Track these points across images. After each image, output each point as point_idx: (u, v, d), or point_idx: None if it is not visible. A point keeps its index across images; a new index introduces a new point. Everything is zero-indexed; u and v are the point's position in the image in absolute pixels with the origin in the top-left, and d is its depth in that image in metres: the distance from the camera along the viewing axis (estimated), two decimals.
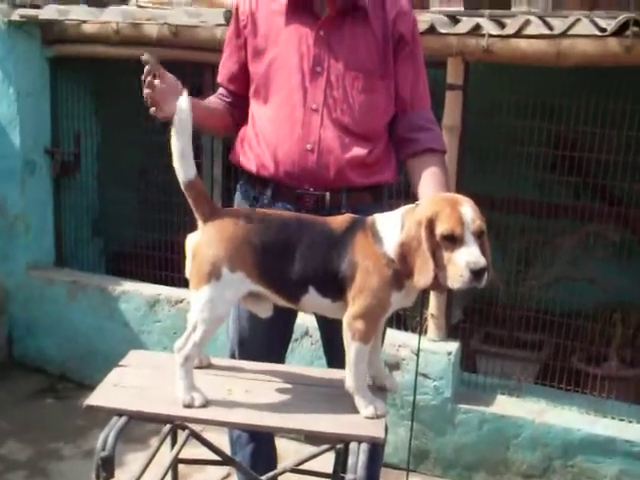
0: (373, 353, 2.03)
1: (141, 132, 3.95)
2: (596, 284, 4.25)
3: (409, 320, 3.82)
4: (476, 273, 1.76)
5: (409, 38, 2.34)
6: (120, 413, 1.92)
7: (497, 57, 3.31)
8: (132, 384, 2.06)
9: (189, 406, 1.93)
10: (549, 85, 3.45)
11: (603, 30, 3.05)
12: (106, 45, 4.11)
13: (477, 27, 3.28)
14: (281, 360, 2.57)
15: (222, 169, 4.07)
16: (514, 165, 3.58)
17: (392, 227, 1.89)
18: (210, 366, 2.21)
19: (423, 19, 3.32)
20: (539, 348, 4.15)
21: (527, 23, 3.21)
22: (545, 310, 3.71)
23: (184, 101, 1.90)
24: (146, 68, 2.17)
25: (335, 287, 1.91)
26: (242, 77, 2.45)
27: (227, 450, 2.57)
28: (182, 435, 2.07)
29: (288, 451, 3.52)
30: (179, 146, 1.92)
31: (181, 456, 2.22)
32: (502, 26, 3.30)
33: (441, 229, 1.78)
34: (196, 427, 2.04)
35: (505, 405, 3.54)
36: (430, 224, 1.79)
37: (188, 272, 1.97)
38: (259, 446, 2.66)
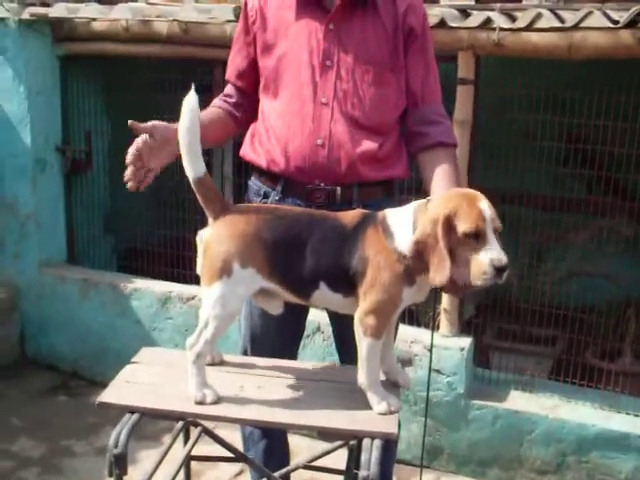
0: (385, 349, 2.03)
1: None
2: (610, 279, 4.23)
3: (421, 316, 3.81)
4: (499, 270, 1.76)
5: (419, 31, 2.33)
6: (132, 410, 1.92)
7: (508, 51, 3.29)
8: (144, 381, 2.06)
9: (201, 403, 1.93)
10: (561, 78, 3.43)
11: (615, 22, 3.03)
12: (116, 42, 4.12)
13: (488, 21, 3.26)
14: (293, 356, 2.57)
15: (233, 166, 4.07)
16: (526, 159, 3.56)
17: (403, 223, 1.88)
18: (222, 363, 2.20)
19: (433, 13, 3.31)
20: (552, 343, 4.13)
21: (538, 16, 3.19)
22: (558, 305, 3.69)
23: (192, 98, 1.89)
24: (136, 140, 2.21)
25: (346, 283, 1.91)
26: (250, 73, 2.44)
27: (239, 447, 2.57)
28: (194, 432, 2.07)
29: (301, 447, 3.52)
30: (187, 143, 1.91)
31: (194, 453, 2.22)
32: (513, 19, 3.28)
33: (464, 227, 1.76)
34: (208, 424, 2.04)
35: (518, 401, 3.53)
36: (447, 222, 1.77)
37: (199, 269, 1.97)
38: (272, 443, 2.66)
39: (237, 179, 4.02)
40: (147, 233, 4.47)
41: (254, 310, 2.44)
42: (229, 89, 2.55)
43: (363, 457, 1.79)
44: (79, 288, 4.42)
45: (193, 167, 1.94)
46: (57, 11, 4.19)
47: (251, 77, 2.44)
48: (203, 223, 2.03)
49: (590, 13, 3.10)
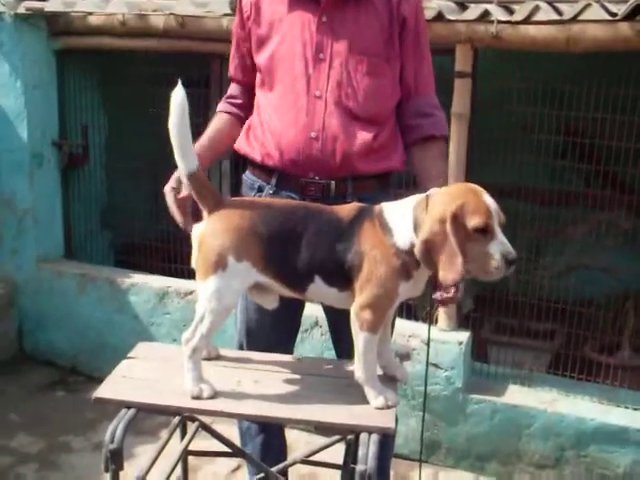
0: (383, 343, 2.02)
1: (149, 123, 3.94)
2: (608, 272, 4.23)
3: (419, 310, 3.80)
4: (510, 262, 1.78)
5: (412, 21, 2.33)
6: (128, 405, 1.92)
7: (506, 43, 3.27)
8: (140, 376, 2.06)
9: (198, 398, 1.93)
10: (559, 71, 3.42)
11: (614, 15, 3.02)
12: (112, 37, 4.10)
13: (486, 13, 3.25)
14: (289, 351, 2.56)
15: (230, 162, 4.06)
16: (524, 153, 3.55)
17: (402, 218, 1.87)
18: (219, 357, 2.20)
19: (431, 6, 3.30)
20: (551, 337, 4.13)
21: (536, 9, 3.18)
22: (557, 299, 3.69)
23: (179, 93, 1.88)
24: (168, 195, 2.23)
25: (342, 277, 1.90)
26: (251, 68, 2.43)
27: (237, 442, 2.57)
28: (191, 427, 2.06)
29: (298, 442, 3.52)
30: (178, 139, 1.90)
31: (191, 448, 2.21)
32: (511, 12, 3.27)
33: (474, 222, 1.76)
34: (206, 419, 2.04)
35: (517, 395, 3.53)
36: (456, 219, 1.77)
37: (194, 263, 1.97)
38: (269, 437, 2.66)
39: (235, 175, 4.01)
40: (144, 228, 4.46)
41: (249, 304, 2.44)
42: (233, 89, 2.54)
43: (360, 452, 1.79)
44: (77, 283, 4.41)
45: (185, 162, 1.93)
46: (53, 5, 4.18)
47: (253, 73, 2.43)
48: (200, 217, 2.03)
49: (588, 5, 3.08)
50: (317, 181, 2.29)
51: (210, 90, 3.97)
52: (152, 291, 4.21)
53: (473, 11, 3.28)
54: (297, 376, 2.10)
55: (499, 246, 1.78)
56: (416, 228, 1.84)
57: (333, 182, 2.29)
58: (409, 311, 3.71)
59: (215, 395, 1.95)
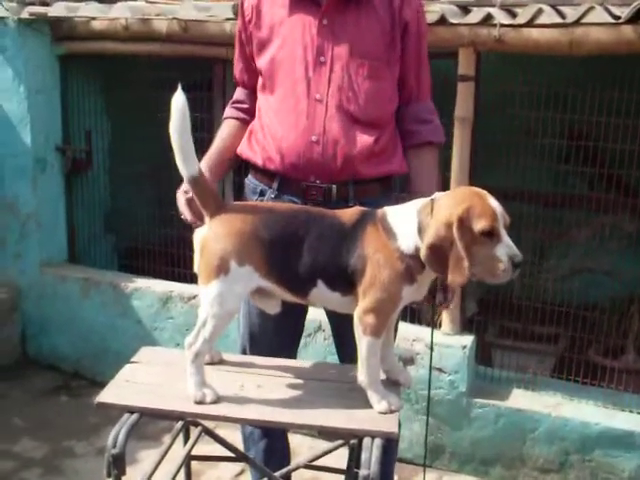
0: (386, 347, 2.02)
1: (152, 128, 3.94)
2: (612, 276, 4.22)
3: (423, 314, 3.80)
4: (516, 265, 1.79)
5: (414, 26, 2.33)
6: (131, 410, 1.91)
7: (509, 47, 3.27)
8: (143, 381, 2.06)
9: (201, 402, 1.93)
10: (562, 75, 3.41)
11: (617, 18, 3.01)
12: (115, 41, 4.10)
13: (488, 17, 3.25)
14: (292, 355, 2.56)
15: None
16: (527, 157, 3.54)
17: (406, 222, 1.87)
18: (222, 362, 2.20)
19: (433, 9, 3.30)
20: (555, 341, 4.12)
21: (539, 12, 3.17)
22: (561, 302, 3.68)
23: (179, 97, 1.87)
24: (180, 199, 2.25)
25: (344, 281, 1.90)
26: (256, 71, 2.43)
27: (240, 446, 2.56)
28: (194, 432, 2.07)
29: (301, 447, 3.52)
30: (179, 143, 1.90)
31: (194, 453, 2.21)
32: (514, 15, 3.26)
33: (481, 226, 1.77)
34: (209, 424, 2.04)
35: (521, 399, 3.52)
36: (462, 222, 1.77)
37: (196, 267, 1.97)
38: (272, 442, 2.65)
39: (238, 179, 4.01)
40: (148, 232, 4.45)
41: (252, 309, 2.43)
42: (239, 93, 2.55)
43: (363, 456, 1.78)
44: (80, 288, 4.41)
45: (187, 166, 1.93)
46: (56, 10, 4.19)
47: (258, 76, 2.43)
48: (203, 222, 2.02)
49: (591, 9, 3.08)
50: (318, 185, 2.29)
51: (213, 93, 3.98)
52: (155, 295, 4.21)
53: (476, 14, 3.28)
54: (300, 381, 2.10)
55: (505, 249, 1.79)
56: (421, 232, 1.84)
57: (334, 186, 2.29)
58: (412, 315, 3.71)
59: (218, 400, 1.94)
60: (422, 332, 3.61)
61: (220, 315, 1.92)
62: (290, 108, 2.29)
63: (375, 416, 1.90)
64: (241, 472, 3.47)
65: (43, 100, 4.39)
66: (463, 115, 3.40)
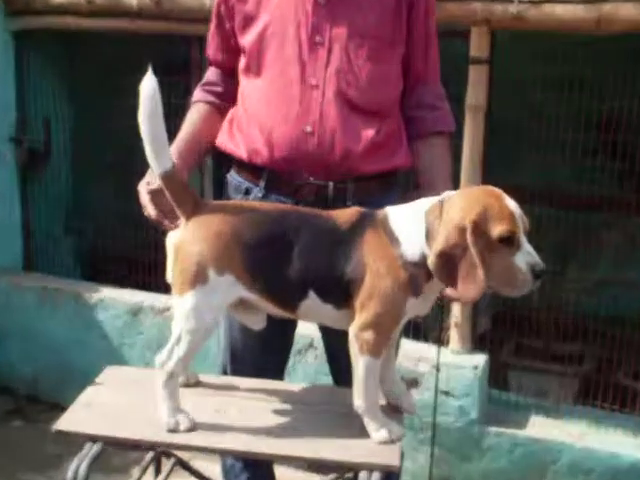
0: (386, 368, 2.02)
1: (122, 114, 3.93)
2: None
3: (429, 329, 3.80)
4: (537, 275, 1.79)
5: (421, 1, 2.33)
6: (94, 439, 1.91)
7: (529, 25, 3.27)
8: (108, 405, 2.05)
9: (174, 430, 1.92)
10: (588, 57, 3.42)
11: None
12: (78, 16, 4.09)
13: None
14: (280, 376, 2.56)
15: (212, 158, 4.06)
16: (548, 150, 3.55)
17: (412, 226, 1.87)
18: (198, 384, 2.20)
19: None
20: (579, 361, 4.13)
21: None
22: (586, 317, 3.68)
23: (149, 82, 1.87)
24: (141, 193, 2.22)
25: (339, 292, 1.89)
26: (235, 49, 2.42)
27: None
28: (167, 464, 2.06)
29: None
30: (149, 134, 1.89)
31: None
32: None
33: (499, 231, 1.76)
34: (183, 454, 2.03)
35: (541, 427, 3.52)
36: (477, 227, 1.76)
37: (170, 276, 1.96)
38: (256, 475, 2.64)
39: (219, 173, 4.01)
40: (116, 234, 4.45)
41: (234, 324, 2.43)
42: (212, 74, 2.53)
43: None
44: (37, 298, 4.40)
45: (158, 160, 1.92)
46: None
47: (237, 55, 2.42)
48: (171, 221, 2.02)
49: None
50: (313, 182, 2.29)
51: (190, 77, 3.97)
52: (124, 307, 4.20)
53: None
54: (288, 405, 2.09)
55: (525, 256, 1.79)
56: (428, 237, 1.84)
57: (331, 183, 2.29)
58: (417, 331, 3.71)
59: (194, 427, 1.93)
60: (428, 350, 3.61)
61: (197, 330, 1.92)
62: (280, 93, 2.28)
63: (373, 447, 1.90)
64: None
65: None
66: (475, 103, 3.40)
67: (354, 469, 1.86)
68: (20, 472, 3.80)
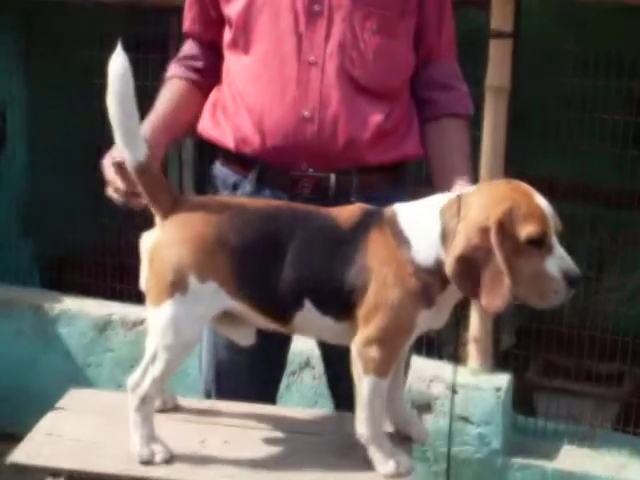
0: (394, 390, 2.02)
1: (90, 97, 3.94)
2: None
3: (444, 345, 3.80)
4: (572, 283, 1.78)
5: None
6: (55, 473, 1.90)
7: None
8: (72, 434, 2.05)
9: (148, 462, 1.91)
10: (627, 31, 3.42)
11: None
12: None
13: None
14: (272, 400, 2.56)
15: (194, 148, 4.07)
16: (582, 138, 3.55)
17: (425, 225, 1.87)
18: (177, 409, 2.19)
19: None
20: (618, 382, 4.13)
21: None
22: (625, 332, 3.69)
23: (119, 59, 1.87)
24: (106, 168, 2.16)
25: (339, 302, 1.89)
26: (216, 21, 2.42)
27: None
28: None
29: None
30: (120, 119, 1.88)
31: None
32: None
33: (528, 232, 1.76)
34: None
35: (574, 458, 3.53)
36: (503, 227, 1.76)
37: (144, 283, 1.96)
38: None
39: (200, 166, 4.02)
40: (81, 236, 4.45)
41: (219, 339, 2.43)
42: (190, 48, 2.52)
43: None
44: None
45: (131, 150, 1.92)
46: None
47: (218, 27, 2.42)
48: (152, 223, 2.02)
49: None
50: (311, 174, 2.29)
51: (168, 51, 3.98)
52: (89, 320, 4.21)
53: None
54: (280, 434, 2.09)
55: (558, 261, 1.78)
56: (444, 239, 1.84)
57: (332, 175, 2.29)
58: (430, 347, 3.71)
59: (171, 459, 1.93)
60: (442, 369, 3.62)
61: (175, 347, 1.91)
62: (274, 72, 2.28)
63: None
64: None
65: None
66: (497, 84, 3.41)
67: None
68: None
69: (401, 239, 1.87)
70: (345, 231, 1.92)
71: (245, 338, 2.05)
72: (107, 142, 2.13)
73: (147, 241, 1.96)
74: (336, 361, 2.24)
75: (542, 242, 1.77)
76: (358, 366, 1.89)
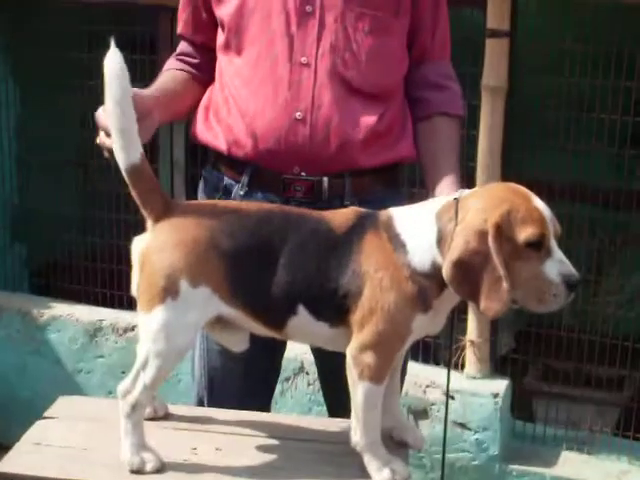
0: (390, 396, 2.02)
1: (80, 99, 3.94)
2: None
3: (440, 351, 3.80)
4: (571, 287, 1.78)
5: None
6: None
7: None
8: (61, 443, 2.04)
9: (138, 471, 1.91)
10: (627, 30, 3.43)
11: None
12: None
13: None
14: (265, 407, 2.56)
15: (185, 150, 4.07)
16: (580, 139, 3.56)
17: (421, 229, 1.87)
18: (168, 416, 2.19)
19: None
20: (619, 387, 4.13)
21: None
22: (625, 335, 3.69)
23: (114, 58, 1.86)
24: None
25: (334, 307, 1.89)
26: (209, 24, 2.43)
27: None
28: None
29: None
30: (117, 120, 1.89)
31: None
32: None
33: (526, 235, 1.76)
34: None
35: (573, 464, 3.53)
36: (501, 231, 1.76)
37: (135, 288, 1.95)
38: None
39: (192, 168, 4.02)
40: (71, 241, 4.45)
41: (212, 345, 2.43)
42: (185, 47, 2.53)
43: None
44: None
45: (125, 151, 1.91)
46: None
47: (211, 30, 2.43)
48: (143, 227, 2.02)
49: None
50: (304, 178, 2.30)
51: (158, 51, 3.98)
52: (80, 326, 4.20)
53: None
54: (274, 441, 2.09)
55: (557, 265, 1.79)
56: (441, 243, 1.84)
57: (326, 179, 2.30)
58: (426, 352, 3.71)
59: (162, 468, 1.92)
60: (439, 375, 3.62)
61: (166, 353, 1.91)
62: (265, 74, 2.28)
63: None
64: None
65: None
66: (494, 84, 3.41)
67: None
68: None
69: (397, 243, 1.87)
70: (339, 235, 1.92)
71: (238, 344, 2.05)
72: (98, 147, 2.13)
73: (138, 245, 1.96)
74: (330, 367, 2.24)
75: (541, 245, 1.77)
76: (353, 372, 1.89)
